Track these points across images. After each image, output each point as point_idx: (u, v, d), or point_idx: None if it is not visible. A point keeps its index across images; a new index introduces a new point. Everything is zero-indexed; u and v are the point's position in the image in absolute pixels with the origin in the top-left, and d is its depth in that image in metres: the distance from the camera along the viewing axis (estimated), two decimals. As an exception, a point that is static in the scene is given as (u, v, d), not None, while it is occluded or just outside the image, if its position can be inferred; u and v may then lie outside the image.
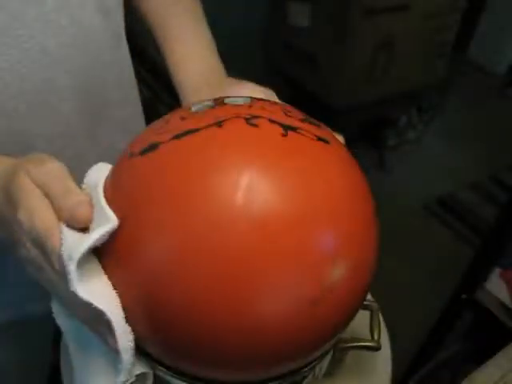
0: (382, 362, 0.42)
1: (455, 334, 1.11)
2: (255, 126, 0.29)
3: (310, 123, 0.32)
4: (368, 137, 1.93)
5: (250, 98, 0.34)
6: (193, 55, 0.50)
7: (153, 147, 0.30)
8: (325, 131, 0.33)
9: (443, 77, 1.80)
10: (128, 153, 0.32)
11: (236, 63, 0.65)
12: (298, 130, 0.30)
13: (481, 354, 0.75)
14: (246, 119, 0.30)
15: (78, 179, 0.45)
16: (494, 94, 2.42)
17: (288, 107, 0.34)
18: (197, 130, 0.29)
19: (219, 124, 0.29)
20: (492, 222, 0.92)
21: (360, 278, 0.30)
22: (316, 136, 0.31)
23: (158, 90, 1.66)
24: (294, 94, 1.68)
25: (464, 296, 0.97)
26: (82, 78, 0.44)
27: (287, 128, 0.30)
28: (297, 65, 1.65)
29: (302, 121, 0.32)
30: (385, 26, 1.50)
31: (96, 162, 0.50)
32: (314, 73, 1.62)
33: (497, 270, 0.94)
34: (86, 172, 0.34)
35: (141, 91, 0.57)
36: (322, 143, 0.31)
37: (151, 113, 0.58)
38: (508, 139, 2.01)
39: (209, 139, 0.29)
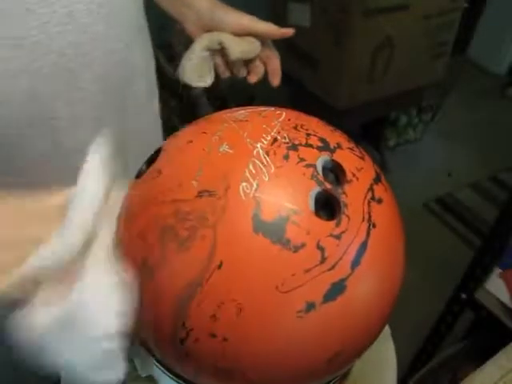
0: (388, 363, 0.43)
1: (455, 334, 1.11)
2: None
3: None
4: (368, 137, 1.93)
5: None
6: None
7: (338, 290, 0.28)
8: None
9: (443, 77, 1.80)
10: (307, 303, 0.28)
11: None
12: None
13: (481, 354, 0.75)
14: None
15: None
16: (494, 94, 2.42)
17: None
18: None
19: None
20: (492, 222, 0.92)
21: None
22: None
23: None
24: (295, 94, 1.68)
25: (464, 296, 0.97)
26: (106, 47, 0.46)
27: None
28: (297, 65, 1.65)
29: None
30: (385, 26, 1.50)
31: (116, 126, 0.52)
32: (315, 73, 1.62)
33: (497, 270, 0.94)
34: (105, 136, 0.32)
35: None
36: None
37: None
38: (508, 139, 2.01)
39: None
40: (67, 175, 0.47)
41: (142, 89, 0.55)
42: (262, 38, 0.55)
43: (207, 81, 0.52)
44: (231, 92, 1.59)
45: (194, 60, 0.51)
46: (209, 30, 0.53)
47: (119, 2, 0.48)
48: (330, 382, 0.34)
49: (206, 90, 0.57)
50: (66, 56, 0.42)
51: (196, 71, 0.51)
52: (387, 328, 0.43)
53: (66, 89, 0.44)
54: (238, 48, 0.52)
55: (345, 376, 0.38)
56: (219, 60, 0.54)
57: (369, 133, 1.93)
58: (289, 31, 0.56)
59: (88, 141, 0.47)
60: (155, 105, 0.61)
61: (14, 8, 0.39)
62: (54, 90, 0.43)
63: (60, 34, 0.41)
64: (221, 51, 0.53)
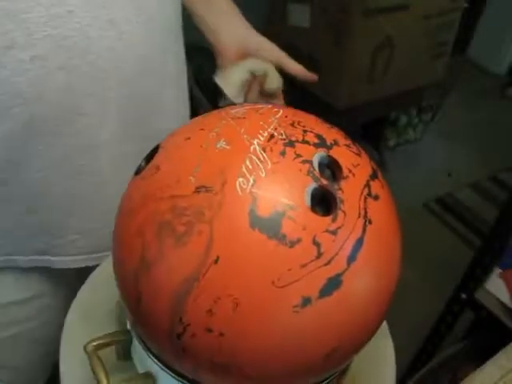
0: (387, 361, 0.43)
1: (455, 334, 1.11)
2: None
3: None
4: (368, 137, 1.93)
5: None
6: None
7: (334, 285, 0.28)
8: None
9: (443, 77, 1.80)
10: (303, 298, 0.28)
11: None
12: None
13: (481, 354, 0.75)
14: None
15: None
16: (494, 94, 2.42)
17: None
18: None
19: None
20: (492, 222, 0.92)
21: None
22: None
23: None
24: (295, 94, 1.68)
25: (464, 296, 0.97)
26: (139, 53, 0.47)
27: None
28: (297, 65, 1.65)
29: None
30: (385, 26, 1.50)
31: (143, 128, 0.53)
32: (314, 73, 1.62)
33: (497, 270, 0.94)
34: None
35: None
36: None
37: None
38: (508, 139, 2.01)
39: None
40: (85, 173, 0.49)
41: (172, 96, 0.56)
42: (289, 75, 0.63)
43: (240, 98, 0.58)
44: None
45: (238, 78, 0.57)
46: (245, 55, 0.59)
47: (159, 11, 0.49)
48: (328, 378, 0.34)
49: (205, 90, 0.59)
50: (102, 58, 0.44)
51: (235, 88, 0.57)
52: (385, 325, 0.43)
53: (98, 87, 0.45)
54: (277, 81, 0.60)
55: (343, 373, 0.38)
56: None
57: (369, 133, 1.93)
58: (314, 77, 0.66)
59: (110, 139, 0.49)
60: (186, 111, 0.61)
61: (55, 8, 0.40)
62: (88, 87, 0.44)
63: (99, 39, 0.43)
64: (255, 78, 0.59)
